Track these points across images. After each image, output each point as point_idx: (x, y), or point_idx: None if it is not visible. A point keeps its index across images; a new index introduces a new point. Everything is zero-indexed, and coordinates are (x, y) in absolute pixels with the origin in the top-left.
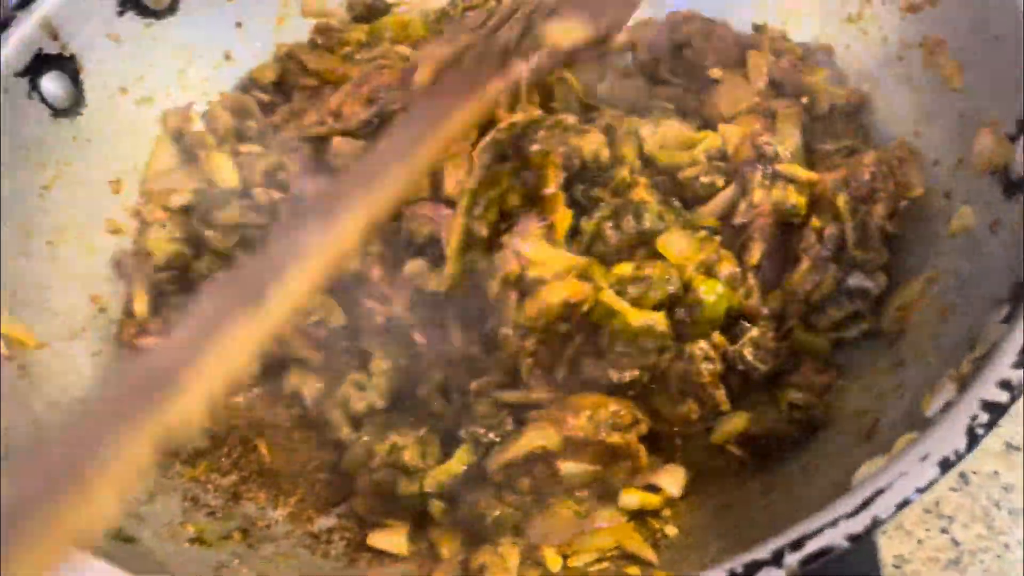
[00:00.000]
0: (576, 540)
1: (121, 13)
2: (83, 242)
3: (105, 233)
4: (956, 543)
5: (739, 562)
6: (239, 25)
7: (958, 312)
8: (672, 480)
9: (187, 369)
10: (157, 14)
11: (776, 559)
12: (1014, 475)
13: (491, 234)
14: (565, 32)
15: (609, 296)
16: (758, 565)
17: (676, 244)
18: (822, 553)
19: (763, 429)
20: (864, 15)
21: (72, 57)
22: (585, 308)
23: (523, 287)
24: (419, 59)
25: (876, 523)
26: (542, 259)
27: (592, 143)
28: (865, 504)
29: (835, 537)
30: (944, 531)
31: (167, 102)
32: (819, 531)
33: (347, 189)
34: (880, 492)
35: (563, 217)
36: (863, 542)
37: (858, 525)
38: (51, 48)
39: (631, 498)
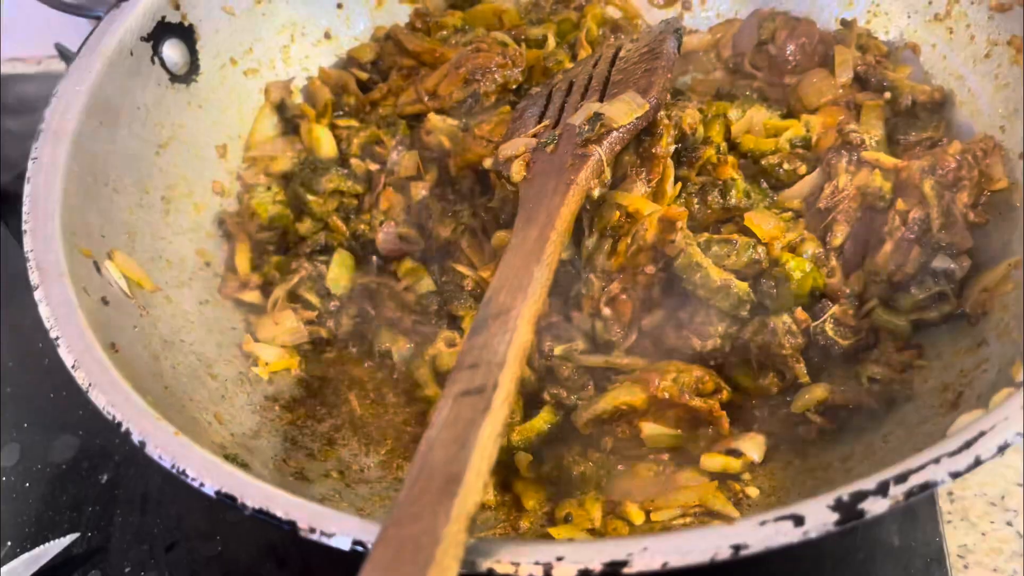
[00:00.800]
0: (659, 497)
1: None
2: (192, 200)
3: (212, 193)
4: (1020, 535)
5: (846, 491)
6: (340, 6)
7: None
8: (753, 445)
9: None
10: None
11: (882, 489)
12: None
13: (602, 195)
14: (625, 113)
15: (694, 249)
16: (864, 495)
17: (764, 221)
18: (925, 487)
19: (843, 400)
20: (952, 14)
21: (191, 27)
22: (672, 253)
23: (618, 233)
24: (504, 155)
25: (978, 462)
26: (642, 208)
27: (691, 116)
28: (968, 444)
29: (938, 473)
30: (1009, 524)
31: (271, 75)
32: (923, 467)
33: (510, 303)
34: (982, 434)
35: (669, 177)
36: (930, 528)
37: (962, 463)
38: (173, 17)
39: (713, 461)
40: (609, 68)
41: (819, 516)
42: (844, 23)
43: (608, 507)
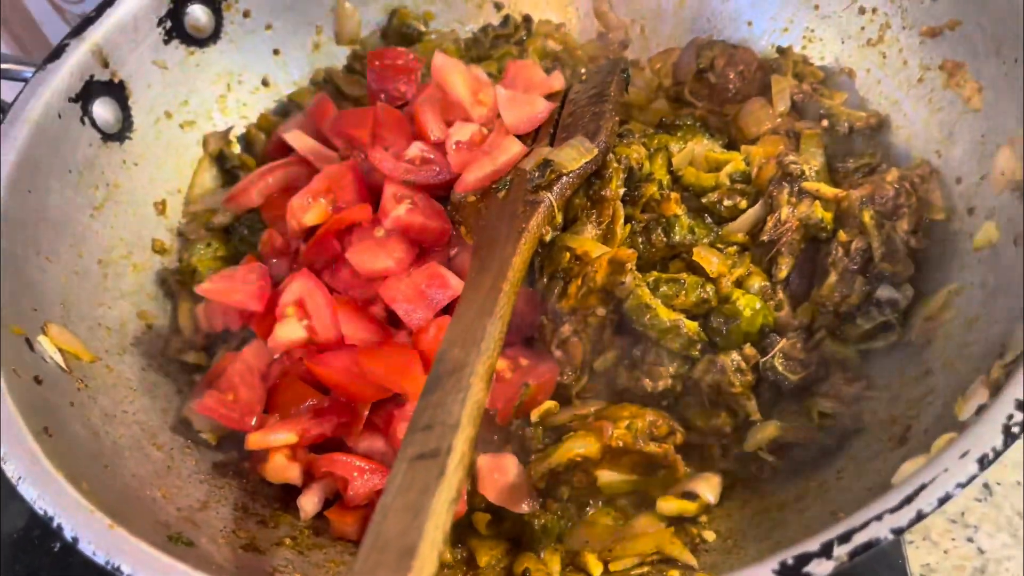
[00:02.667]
0: (616, 545)
1: (167, 41)
2: (131, 261)
3: (152, 253)
4: (981, 552)
5: (790, 554)
6: (276, 52)
7: (983, 322)
8: (708, 487)
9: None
10: (201, 42)
11: (826, 551)
12: None
13: (553, 239)
14: (574, 158)
15: (644, 291)
16: (808, 557)
17: (710, 257)
18: (869, 546)
19: (794, 437)
20: (884, 39)
21: (121, 83)
22: (622, 295)
23: (569, 275)
24: (455, 198)
25: (920, 516)
26: (591, 251)
27: (637, 152)
28: (908, 499)
29: (881, 530)
30: (970, 540)
31: (208, 126)
32: (865, 525)
33: (464, 359)
34: (923, 487)
35: (619, 218)
36: (893, 550)
37: (902, 519)
38: (102, 75)
39: (669, 505)
40: (559, 110)
41: None
42: (780, 50)
43: (567, 558)
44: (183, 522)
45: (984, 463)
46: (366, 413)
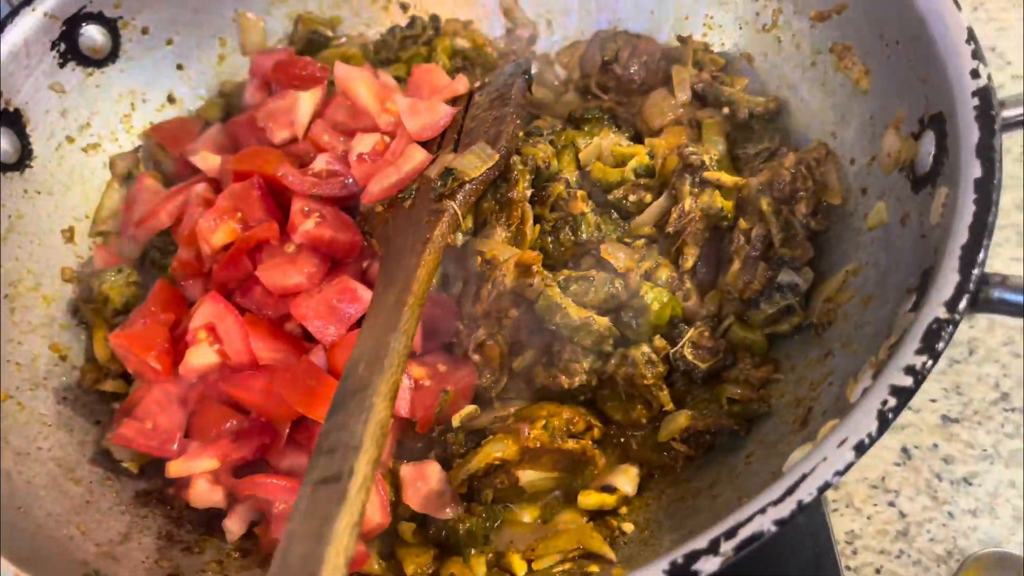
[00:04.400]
0: (539, 544)
1: (63, 64)
2: (39, 292)
3: (61, 282)
4: (903, 515)
5: (679, 553)
6: (180, 67)
7: (878, 301)
8: (627, 479)
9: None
10: (99, 63)
11: (713, 547)
12: (953, 447)
13: (465, 244)
14: (475, 166)
15: (553, 291)
16: (696, 555)
17: (618, 252)
18: (753, 539)
19: (705, 424)
20: (778, 24)
21: (17, 111)
22: (532, 297)
23: (481, 280)
24: (363, 208)
25: (801, 507)
26: (500, 255)
27: (544, 151)
28: (790, 491)
29: (764, 523)
30: (891, 504)
31: (114, 148)
32: (750, 519)
33: (368, 378)
34: (804, 478)
35: (528, 219)
36: (792, 524)
37: (785, 510)
38: None
39: (589, 499)
40: (463, 114)
41: None
42: (680, 39)
43: (493, 560)
44: (102, 558)
45: (861, 450)
46: (287, 431)
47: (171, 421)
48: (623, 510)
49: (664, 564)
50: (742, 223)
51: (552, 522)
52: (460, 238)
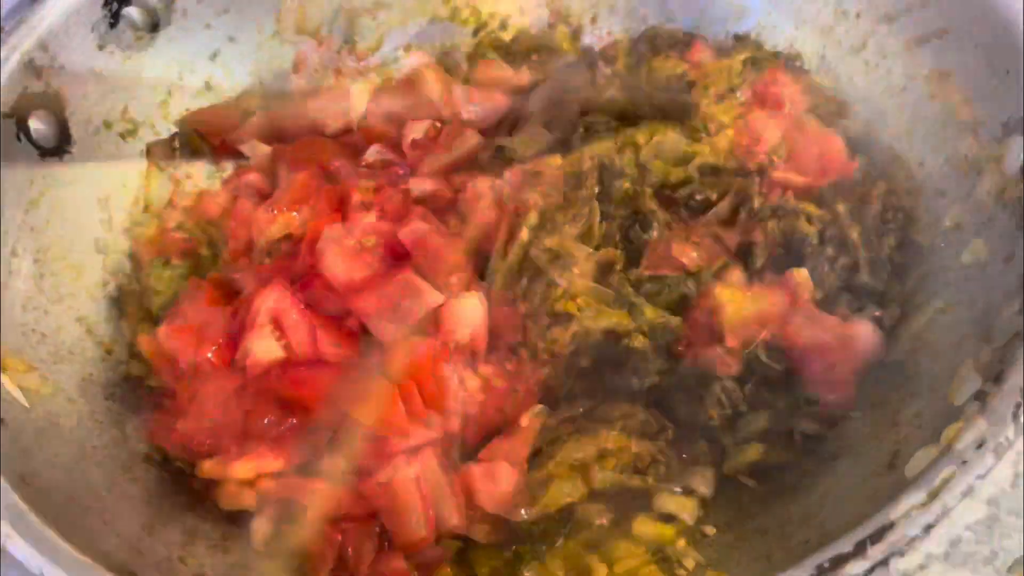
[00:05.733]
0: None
1: (102, 47)
2: (70, 261)
3: (93, 252)
4: None
5: (824, 557)
6: (218, 53)
7: (975, 341)
8: (702, 480)
9: None
10: (138, 47)
11: (859, 551)
12: None
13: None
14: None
15: (627, 289)
16: (844, 558)
17: (690, 252)
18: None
19: (776, 459)
20: (868, 46)
21: (56, 93)
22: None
23: (549, 277)
24: None
25: (945, 511)
26: (572, 251)
27: (606, 148)
28: (933, 494)
29: (911, 527)
30: None
31: (150, 134)
32: (892, 525)
33: None
34: (946, 482)
35: (596, 216)
36: None
37: (930, 515)
38: (35, 86)
39: (646, 527)
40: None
41: None
42: (738, 37)
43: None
44: (125, 551)
45: (999, 452)
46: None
47: (226, 420)
48: (681, 543)
49: (810, 568)
50: (828, 251)
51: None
52: (526, 233)
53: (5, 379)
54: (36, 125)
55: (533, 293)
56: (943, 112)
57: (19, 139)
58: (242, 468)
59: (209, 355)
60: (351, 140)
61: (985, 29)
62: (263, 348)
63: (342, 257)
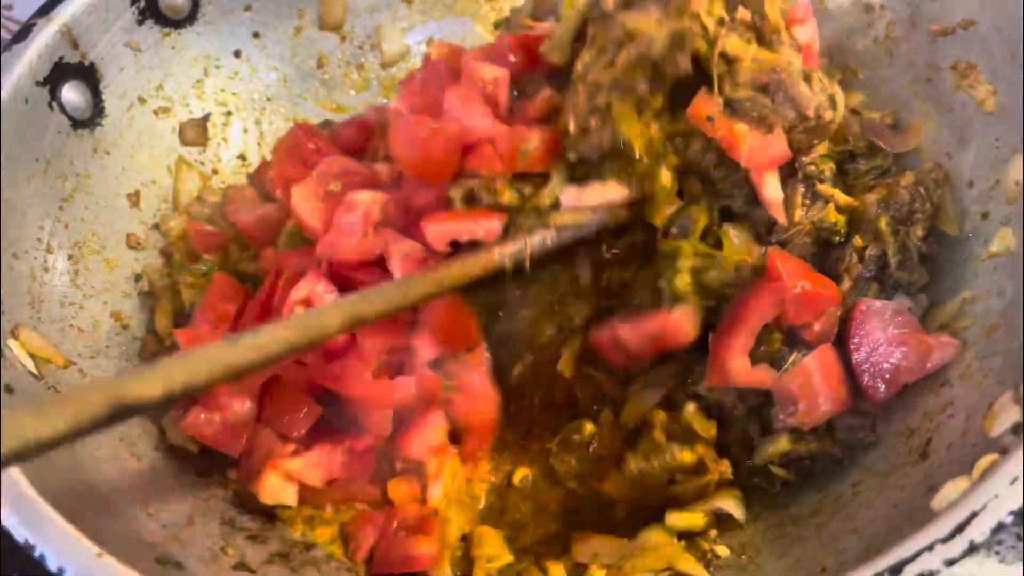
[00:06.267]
0: (626, 560)
1: (141, 22)
2: (103, 256)
3: (125, 248)
4: None
5: None
6: (257, 36)
7: (1005, 331)
8: (734, 504)
9: None
10: (177, 23)
11: None
12: None
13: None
14: None
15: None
16: None
17: (733, 239)
18: None
19: (806, 449)
20: (892, 37)
21: (92, 66)
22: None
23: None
24: None
25: (972, 547)
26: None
27: None
28: (960, 528)
29: (933, 561)
30: None
31: (184, 113)
32: (916, 556)
33: None
34: (974, 515)
35: None
36: None
37: (955, 549)
38: (72, 57)
39: (678, 518)
40: None
41: None
42: None
43: (574, 572)
44: (170, 540)
45: None
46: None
47: (242, 413)
48: (712, 532)
49: None
50: (857, 240)
51: (637, 539)
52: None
53: (17, 347)
54: (69, 95)
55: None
56: (970, 103)
57: (51, 108)
58: (294, 465)
59: None
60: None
61: (1010, 21)
62: None
63: (318, 213)
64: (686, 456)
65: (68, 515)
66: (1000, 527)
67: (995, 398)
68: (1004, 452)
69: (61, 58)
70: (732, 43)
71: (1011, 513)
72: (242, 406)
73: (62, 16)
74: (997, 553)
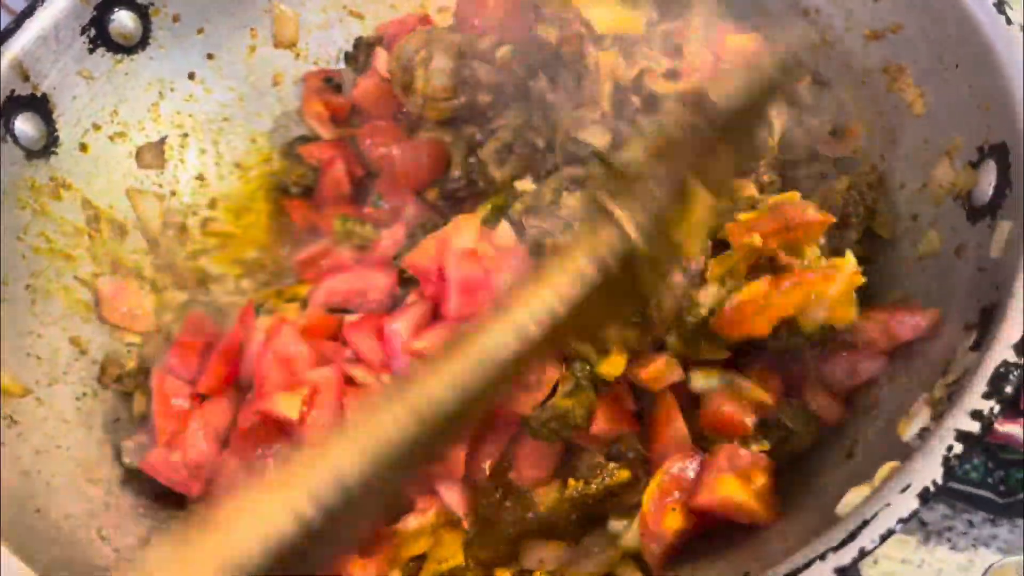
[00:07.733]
0: (567, 566)
1: (92, 50)
2: (62, 284)
3: (84, 274)
4: None
5: None
6: (210, 56)
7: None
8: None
9: None
10: (128, 50)
11: None
12: None
13: None
14: None
15: None
16: None
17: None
18: None
19: None
20: (827, 40)
21: (44, 96)
22: None
23: None
24: None
25: (863, 554)
26: None
27: None
28: (851, 536)
29: (824, 571)
30: None
31: (140, 137)
32: (808, 565)
33: None
34: (865, 524)
35: None
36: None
37: (845, 557)
38: (23, 89)
39: (619, 524)
40: None
41: None
42: None
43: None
44: (123, 565)
45: (925, 498)
46: None
47: (204, 455)
48: None
49: None
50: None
51: (581, 545)
52: None
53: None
54: (22, 127)
55: None
56: (900, 105)
57: (4, 141)
58: None
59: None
60: None
61: (937, 25)
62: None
63: None
64: (623, 474)
65: (15, 545)
66: (889, 534)
67: (914, 400)
68: (905, 458)
69: (12, 91)
70: None
71: (900, 521)
72: (206, 449)
73: (12, 50)
74: (948, 540)
